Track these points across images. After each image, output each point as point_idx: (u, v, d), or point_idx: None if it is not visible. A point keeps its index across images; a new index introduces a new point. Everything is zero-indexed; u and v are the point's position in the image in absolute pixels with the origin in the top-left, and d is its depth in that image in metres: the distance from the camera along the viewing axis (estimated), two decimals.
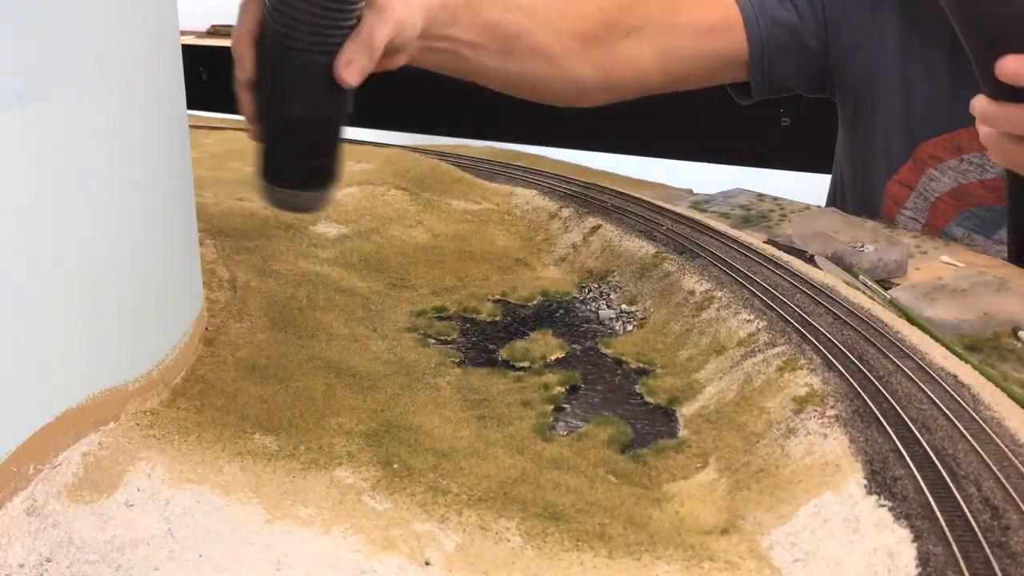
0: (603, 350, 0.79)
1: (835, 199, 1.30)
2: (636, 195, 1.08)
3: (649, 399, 0.71)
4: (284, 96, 0.72)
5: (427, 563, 0.49)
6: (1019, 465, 0.51)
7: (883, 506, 0.49)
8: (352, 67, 0.73)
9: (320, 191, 0.75)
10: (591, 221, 1.00)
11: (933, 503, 0.49)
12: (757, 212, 1.13)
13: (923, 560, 0.45)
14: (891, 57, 1.12)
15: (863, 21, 1.14)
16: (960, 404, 0.58)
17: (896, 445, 0.54)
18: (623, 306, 0.88)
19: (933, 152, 1.11)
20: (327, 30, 0.70)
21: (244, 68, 0.74)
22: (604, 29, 1.07)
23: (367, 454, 0.58)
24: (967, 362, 0.65)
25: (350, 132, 1.01)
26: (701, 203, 1.17)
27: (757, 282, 0.80)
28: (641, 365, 0.76)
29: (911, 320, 0.75)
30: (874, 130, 1.16)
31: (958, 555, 0.45)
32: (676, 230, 0.94)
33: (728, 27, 1.12)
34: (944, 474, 0.51)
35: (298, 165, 0.75)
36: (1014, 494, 0.48)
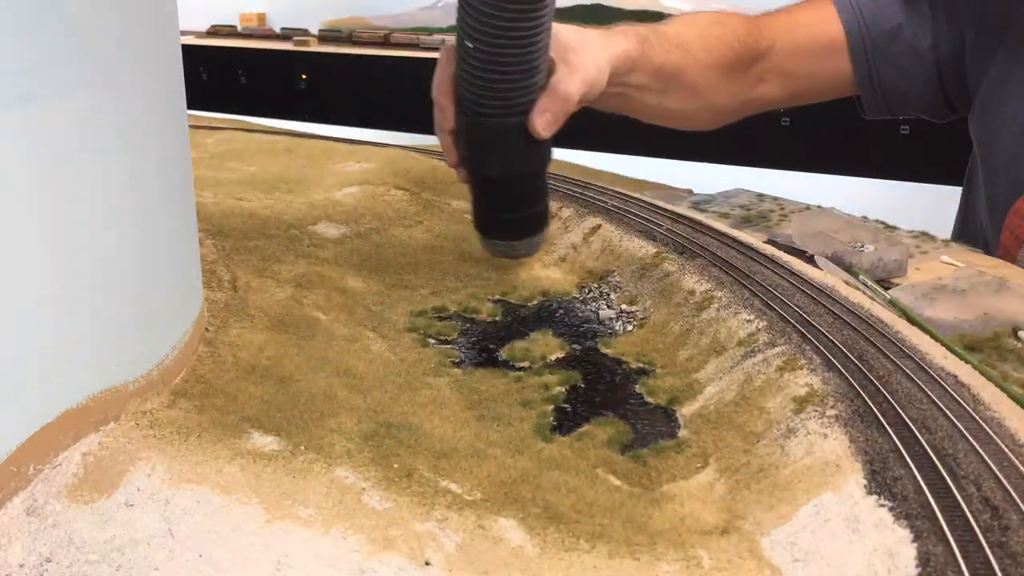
0: (603, 350, 0.79)
1: (962, 228, 1.23)
2: (636, 195, 1.08)
3: (649, 399, 0.71)
4: (485, 159, 0.75)
5: (427, 563, 0.49)
6: (1019, 465, 0.51)
7: (883, 506, 0.49)
8: (547, 120, 0.78)
9: (534, 236, 0.79)
10: (591, 221, 1.00)
11: (933, 503, 0.49)
12: (757, 212, 1.13)
13: (923, 560, 0.45)
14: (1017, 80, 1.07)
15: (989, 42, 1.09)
16: (960, 404, 0.58)
17: (896, 445, 0.54)
18: (623, 306, 0.88)
19: None
20: (515, 94, 0.73)
21: (447, 118, 0.78)
22: (742, 57, 1.13)
23: (367, 454, 0.58)
24: (967, 362, 0.65)
25: (350, 132, 1.00)
26: (701, 203, 1.17)
27: (757, 282, 0.80)
28: (641, 365, 0.76)
29: (911, 320, 0.75)
30: (1000, 153, 1.10)
31: (958, 555, 0.45)
32: (676, 230, 0.94)
33: (833, 47, 1.14)
34: (944, 474, 0.51)
35: (509, 218, 0.78)
36: (1014, 494, 0.48)
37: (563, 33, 0.85)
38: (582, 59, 0.85)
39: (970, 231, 1.18)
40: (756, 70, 1.15)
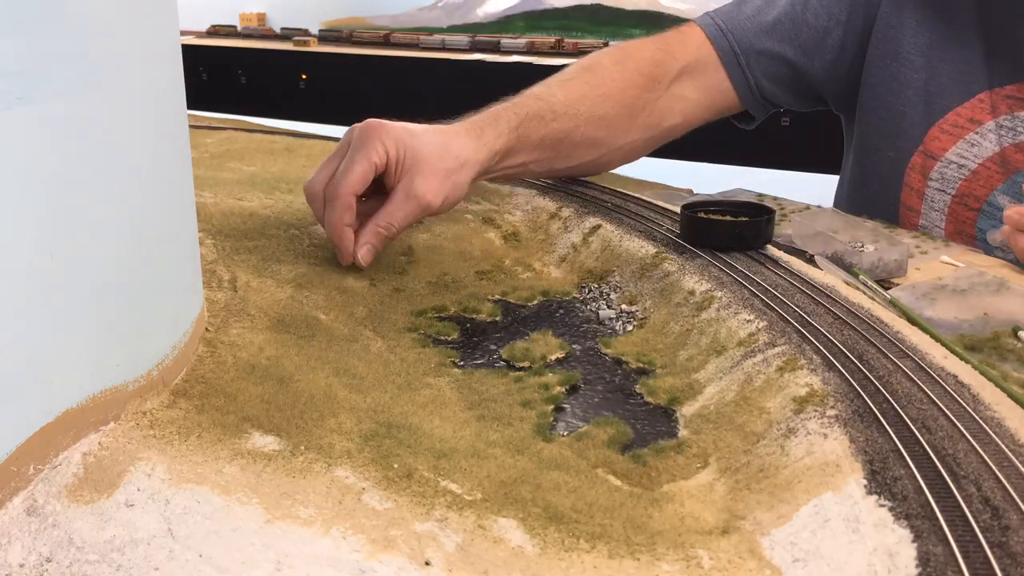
0: (603, 350, 0.79)
1: (844, 198, 1.30)
2: (636, 195, 1.08)
3: (649, 399, 0.71)
4: None
5: (427, 563, 0.49)
6: (1019, 465, 0.51)
7: (883, 506, 0.49)
8: (366, 254, 0.89)
9: None
10: (591, 221, 1.00)
11: (933, 503, 0.49)
12: None
13: (923, 560, 0.45)
14: (912, 46, 1.14)
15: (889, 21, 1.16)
16: (960, 404, 0.58)
17: (896, 445, 0.54)
18: (623, 306, 0.88)
19: (960, 120, 1.10)
20: None
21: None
22: (647, 91, 1.15)
23: (367, 454, 0.58)
24: (967, 362, 0.65)
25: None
26: None
27: (757, 282, 0.80)
28: (641, 365, 0.76)
29: (911, 320, 0.75)
30: (893, 112, 1.16)
31: (958, 555, 0.45)
32: (676, 230, 0.94)
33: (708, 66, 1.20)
34: (944, 474, 0.51)
35: None
36: (1014, 494, 0.48)
37: (418, 146, 0.92)
38: (421, 195, 0.91)
39: (858, 205, 1.23)
40: (668, 98, 1.16)
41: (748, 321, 0.74)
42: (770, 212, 0.90)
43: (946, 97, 1.12)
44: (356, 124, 0.94)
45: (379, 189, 0.93)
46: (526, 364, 0.77)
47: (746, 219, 0.90)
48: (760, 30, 1.19)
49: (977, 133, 1.09)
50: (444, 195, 0.93)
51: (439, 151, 0.93)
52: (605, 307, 0.88)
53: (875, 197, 1.21)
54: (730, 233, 0.89)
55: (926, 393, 0.60)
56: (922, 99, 1.13)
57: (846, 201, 1.29)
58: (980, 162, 1.08)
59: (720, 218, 0.91)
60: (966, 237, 1.11)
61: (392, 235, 0.90)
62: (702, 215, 0.92)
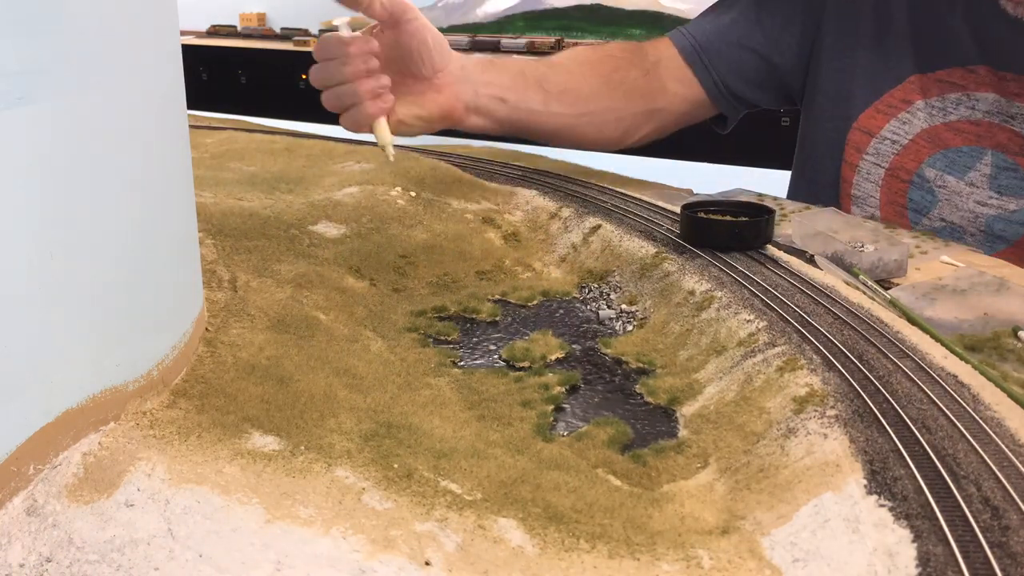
0: (603, 350, 0.79)
1: (795, 187, 1.38)
2: (636, 195, 1.08)
3: (649, 399, 0.71)
4: None
5: (427, 563, 0.49)
6: (1019, 465, 0.51)
7: (883, 506, 0.49)
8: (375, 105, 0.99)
9: None
10: (591, 221, 1.00)
11: (933, 503, 0.49)
12: None
13: (923, 560, 0.45)
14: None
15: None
16: (960, 404, 0.58)
17: (896, 445, 0.54)
18: (623, 306, 0.88)
19: (893, 101, 1.20)
20: None
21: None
22: (623, 70, 1.26)
23: (367, 454, 0.58)
24: (967, 362, 0.65)
25: (350, 132, 1.01)
26: None
27: (757, 282, 0.80)
28: (641, 365, 0.76)
29: (911, 320, 0.75)
30: (835, 97, 1.25)
31: (958, 555, 0.45)
32: (676, 230, 0.94)
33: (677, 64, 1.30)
34: (944, 474, 0.51)
35: None
36: (1014, 494, 0.48)
37: (450, 63, 1.05)
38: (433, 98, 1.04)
39: (805, 187, 1.32)
40: (649, 81, 1.27)
41: (748, 321, 0.74)
42: (770, 212, 0.90)
43: (881, 80, 1.21)
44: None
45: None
46: (526, 364, 0.77)
47: (746, 219, 0.91)
48: (721, 27, 1.29)
49: (908, 112, 1.18)
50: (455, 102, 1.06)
51: (461, 66, 1.09)
52: (605, 307, 0.88)
53: (821, 173, 1.29)
54: (730, 233, 0.89)
55: (926, 393, 0.60)
56: (859, 82, 1.22)
57: (796, 183, 1.36)
58: (910, 138, 1.18)
59: (720, 218, 0.92)
60: (897, 207, 1.19)
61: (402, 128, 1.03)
62: (702, 215, 0.92)
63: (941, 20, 1.16)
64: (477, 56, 1.10)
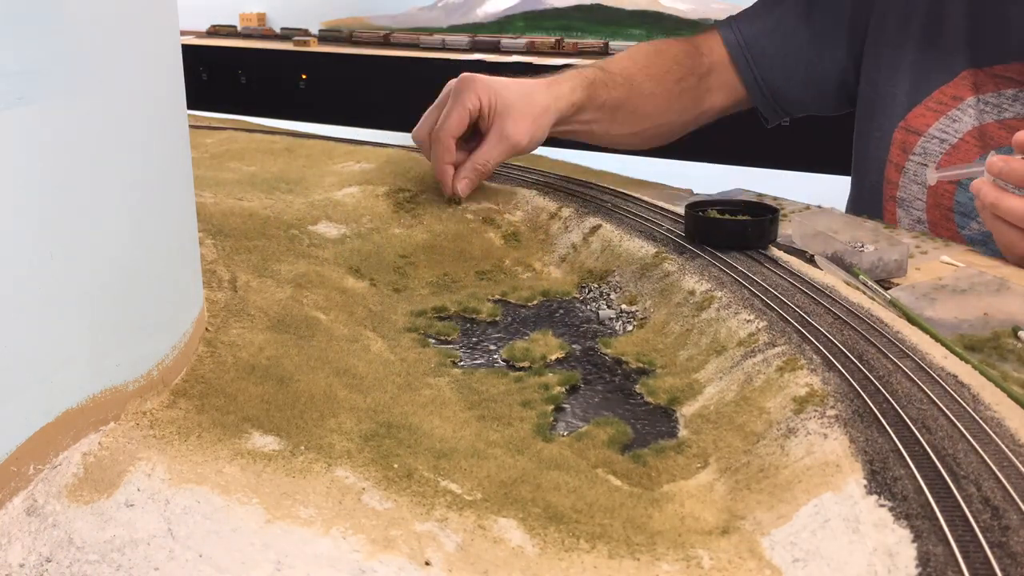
0: (603, 350, 0.79)
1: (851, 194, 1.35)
2: (636, 195, 1.08)
3: (649, 399, 0.71)
4: None
5: (427, 563, 0.49)
6: (1019, 465, 0.51)
7: (883, 506, 0.49)
8: (465, 185, 1.06)
9: None
10: (591, 221, 1.00)
11: (933, 503, 0.49)
12: None
13: (923, 560, 0.45)
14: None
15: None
16: (960, 404, 0.58)
17: (896, 445, 0.54)
18: (623, 306, 0.88)
19: (944, 98, 1.16)
20: None
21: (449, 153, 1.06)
22: (684, 79, 1.28)
23: (367, 454, 0.58)
24: (967, 362, 0.65)
25: (350, 132, 1.01)
26: None
27: (757, 282, 0.80)
28: (641, 365, 0.76)
29: (911, 320, 0.75)
30: (883, 95, 1.23)
31: (958, 555, 0.45)
32: (676, 230, 0.94)
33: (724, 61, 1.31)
34: (944, 474, 0.51)
35: None
36: (1014, 494, 0.48)
37: (507, 94, 1.07)
38: (514, 136, 1.06)
39: (859, 194, 1.31)
40: (700, 87, 1.30)
41: (748, 321, 0.74)
42: (774, 211, 0.90)
43: (931, 77, 1.17)
44: (453, 80, 1.10)
45: (475, 135, 1.08)
46: (526, 364, 0.77)
47: (750, 218, 0.91)
48: (769, 24, 1.27)
49: (958, 109, 1.14)
50: (530, 135, 1.08)
51: (525, 99, 1.09)
52: (605, 307, 0.88)
53: (868, 177, 1.26)
54: (734, 232, 0.89)
55: (926, 393, 0.60)
56: (908, 79, 1.19)
57: (851, 191, 1.34)
58: (960, 137, 1.14)
59: (725, 217, 0.92)
60: (944, 209, 1.15)
61: (487, 171, 1.06)
62: (707, 214, 0.92)
63: (1001, 12, 1.11)
64: (533, 90, 1.12)
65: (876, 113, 1.22)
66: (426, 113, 1.09)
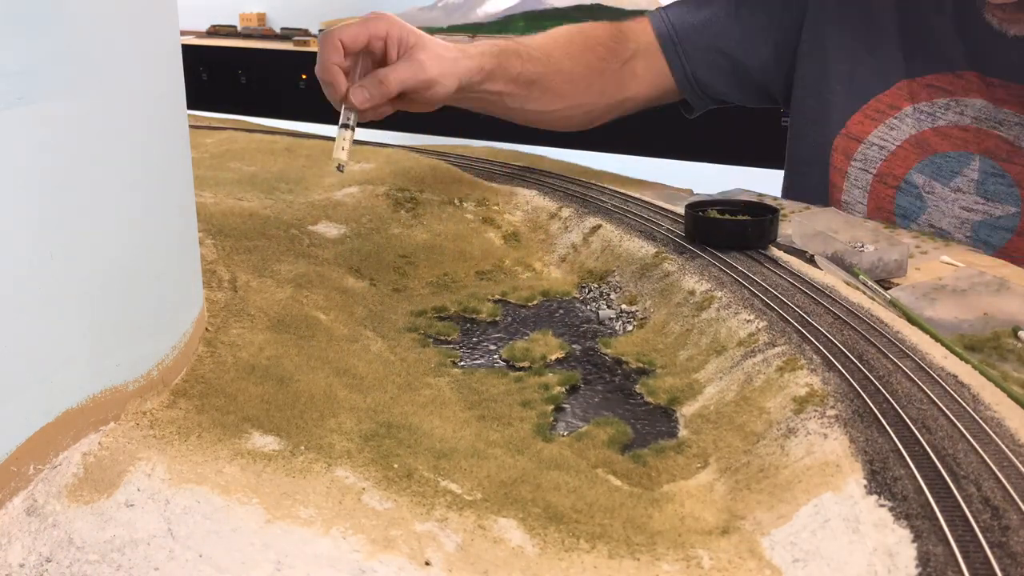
0: (603, 350, 0.79)
1: (786, 191, 1.37)
2: (636, 195, 1.08)
3: (649, 399, 0.71)
4: None
5: (427, 563, 0.49)
6: (1019, 465, 0.51)
7: (883, 506, 0.49)
8: (358, 93, 0.97)
9: None
10: (591, 221, 1.00)
11: (933, 503, 0.49)
12: None
13: (923, 560, 0.45)
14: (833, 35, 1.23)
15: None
16: (960, 404, 0.58)
17: (896, 445, 0.54)
18: (623, 306, 0.88)
19: (880, 106, 1.20)
20: None
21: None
22: (606, 60, 1.25)
23: (367, 454, 0.58)
24: (967, 362, 0.65)
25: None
26: None
27: (757, 282, 0.80)
28: (641, 365, 0.76)
29: (911, 320, 0.75)
30: (820, 101, 1.25)
31: (958, 555, 0.45)
32: (676, 230, 0.94)
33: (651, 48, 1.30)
34: (944, 474, 0.51)
35: None
36: (1014, 494, 0.48)
37: (422, 35, 1.04)
38: (424, 65, 1.01)
39: (793, 190, 1.32)
40: (624, 72, 1.26)
41: (748, 321, 0.74)
42: (774, 211, 0.90)
43: (868, 85, 1.20)
44: None
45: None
46: (526, 364, 0.77)
47: (751, 218, 0.91)
48: (700, 20, 1.27)
49: (896, 118, 1.17)
50: (440, 71, 1.02)
51: (439, 44, 1.05)
52: (605, 307, 0.88)
53: (809, 178, 1.28)
54: (734, 232, 0.89)
55: (926, 393, 0.60)
56: (845, 87, 1.21)
57: (788, 188, 1.35)
58: (898, 144, 1.17)
59: (725, 217, 0.92)
60: (885, 212, 1.19)
61: (389, 88, 0.98)
62: (706, 214, 0.92)
63: (930, 25, 1.15)
64: (447, 42, 1.07)
65: (816, 118, 1.25)
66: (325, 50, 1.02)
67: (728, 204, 0.95)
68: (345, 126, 0.98)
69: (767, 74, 1.29)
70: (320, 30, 3.17)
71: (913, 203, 1.16)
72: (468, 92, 1.10)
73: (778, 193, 1.29)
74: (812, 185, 1.27)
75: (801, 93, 1.27)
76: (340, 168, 0.96)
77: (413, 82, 1.00)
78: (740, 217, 0.92)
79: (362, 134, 1.04)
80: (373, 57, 1.02)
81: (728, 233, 0.90)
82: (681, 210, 1.01)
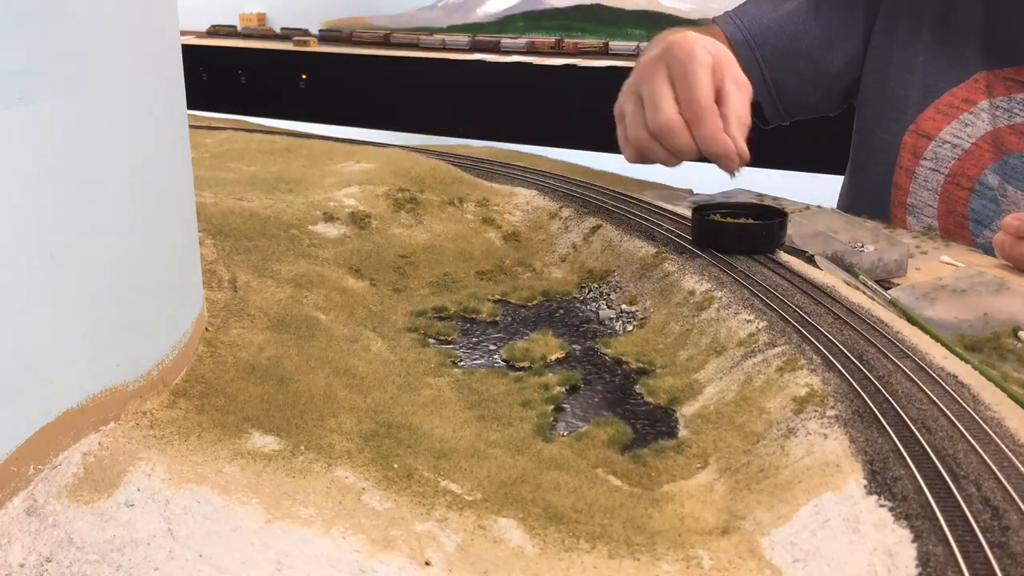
0: (603, 350, 0.79)
1: (846, 189, 1.31)
2: (636, 195, 1.08)
3: (649, 399, 0.71)
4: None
5: (427, 563, 0.49)
6: (1019, 465, 0.51)
7: (883, 506, 0.49)
8: (742, 144, 0.92)
9: None
10: (591, 221, 1.00)
11: (933, 503, 0.49)
12: None
13: (923, 560, 0.45)
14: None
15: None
16: (960, 404, 0.58)
17: (896, 445, 0.54)
18: (623, 306, 0.88)
19: (955, 100, 1.12)
20: None
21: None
22: None
23: (367, 454, 0.58)
24: (967, 362, 0.65)
25: (350, 132, 1.00)
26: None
27: (757, 282, 0.80)
28: (641, 365, 0.76)
29: (911, 320, 0.75)
30: (890, 96, 1.18)
31: (958, 555, 0.45)
32: (676, 230, 0.94)
33: None
34: (944, 474, 0.51)
35: None
36: (1014, 494, 0.48)
37: (719, 47, 0.94)
38: (741, 75, 0.93)
39: (857, 191, 1.25)
40: None
41: (748, 321, 0.74)
42: (783, 215, 0.89)
43: (943, 78, 1.12)
44: (651, 43, 0.98)
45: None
46: (526, 364, 0.77)
47: (760, 221, 0.89)
48: (777, 19, 1.19)
49: (971, 113, 1.10)
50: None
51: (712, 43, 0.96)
52: (605, 307, 0.88)
53: (872, 180, 1.22)
54: (743, 236, 0.88)
55: (926, 393, 0.60)
56: (919, 80, 1.14)
57: (847, 192, 1.30)
58: (973, 141, 1.10)
59: (736, 221, 0.90)
60: (957, 216, 1.12)
61: (748, 122, 0.93)
62: (712, 217, 0.91)
63: (1015, 13, 1.08)
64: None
65: (883, 115, 1.18)
66: (647, 100, 0.94)
67: (733, 207, 0.94)
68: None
69: (846, 77, 1.21)
70: (321, 30, 3.17)
71: (987, 207, 1.09)
72: None
73: (778, 193, 1.28)
74: (873, 189, 1.20)
75: (870, 89, 1.20)
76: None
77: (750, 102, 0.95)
78: (749, 221, 0.90)
79: (362, 134, 1.04)
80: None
81: (736, 237, 0.88)
82: (682, 210, 1.01)
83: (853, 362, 0.65)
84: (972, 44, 1.11)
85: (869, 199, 1.19)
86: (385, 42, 3.00)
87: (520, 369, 0.76)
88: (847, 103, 1.27)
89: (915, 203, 1.15)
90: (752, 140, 0.94)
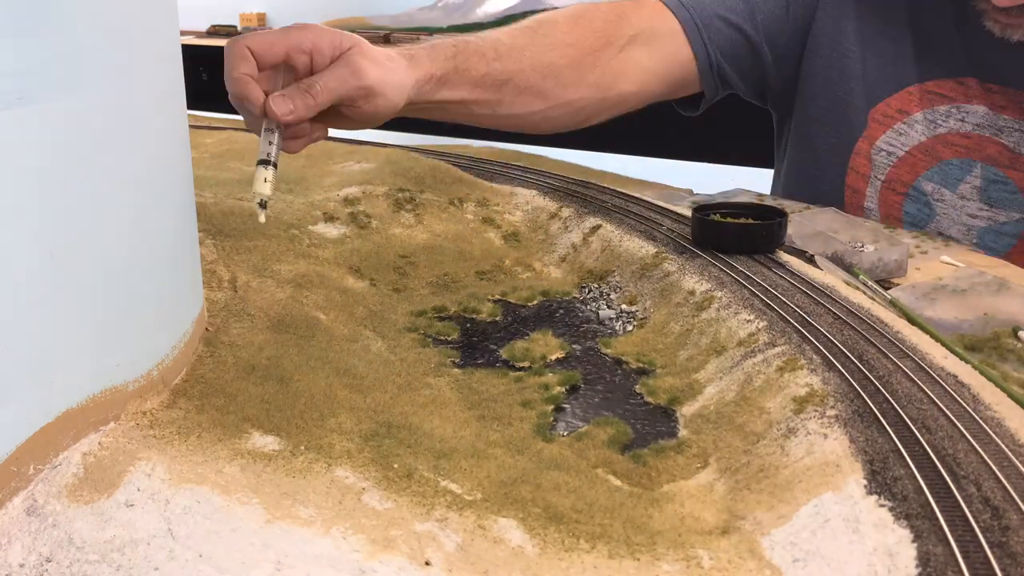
0: (603, 350, 0.79)
1: (782, 186, 1.33)
2: (636, 195, 1.08)
3: (649, 399, 0.71)
4: None
5: (427, 563, 0.49)
6: (1019, 465, 0.51)
7: (883, 506, 0.49)
8: (280, 103, 0.80)
9: None
10: (591, 221, 1.00)
11: (933, 503, 0.49)
12: None
13: (923, 560, 0.45)
14: (851, 35, 1.19)
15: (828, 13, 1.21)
16: (960, 404, 0.58)
17: (896, 445, 0.54)
18: (623, 306, 0.88)
19: (889, 110, 1.17)
20: None
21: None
22: (598, 50, 1.10)
23: (367, 454, 0.58)
24: (967, 362, 0.65)
25: (351, 132, 1.00)
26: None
27: (757, 282, 0.80)
28: (641, 365, 0.76)
29: (911, 320, 0.75)
30: (835, 101, 1.21)
31: (958, 555, 0.45)
32: (676, 230, 0.94)
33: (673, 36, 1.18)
34: (944, 474, 0.51)
35: None
36: (1014, 494, 0.48)
37: (359, 40, 0.85)
38: (362, 71, 0.83)
39: (802, 191, 1.26)
40: (623, 57, 1.12)
41: (748, 321, 0.74)
42: (783, 215, 0.89)
43: (879, 88, 1.17)
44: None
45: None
46: (526, 364, 0.77)
47: (760, 221, 0.90)
48: (718, 4, 1.19)
49: (905, 123, 1.16)
50: (380, 78, 0.85)
51: (380, 51, 0.87)
52: (605, 307, 0.88)
53: (818, 182, 1.24)
54: (743, 236, 0.88)
55: (926, 393, 0.60)
56: (861, 88, 1.18)
57: (783, 189, 1.32)
58: (907, 150, 1.15)
59: (735, 220, 0.90)
60: (893, 220, 1.17)
61: (317, 96, 0.81)
62: (712, 217, 0.91)
63: (934, 30, 1.13)
64: (390, 50, 0.89)
65: (830, 119, 1.21)
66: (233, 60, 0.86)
67: (733, 207, 0.94)
68: (265, 162, 0.80)
69: (776, 68, 1.21)
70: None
71: (922, 211, 1.15)
72: (421, 104, 0.94)
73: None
74: (827, 191, 1.22)
75: (813, 92, 1.21)
76: (263, 204, 0.79)
77: (346, 89, 0.83)
78: (748, 221, 0.91)
79: (362, 134, 1.03)
80: (297, 75, 0.84)
81: (737, 237, 0.89)
82: (681, 210, 1.01)
83: (853, 362, 0.65)
84: (904, 56, 1.16)
85: (823, 198, 1.20)
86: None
87: (520, 369, 0.76)
88: (763, 91, 1.27)
89: (869, 206, 1.20)
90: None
